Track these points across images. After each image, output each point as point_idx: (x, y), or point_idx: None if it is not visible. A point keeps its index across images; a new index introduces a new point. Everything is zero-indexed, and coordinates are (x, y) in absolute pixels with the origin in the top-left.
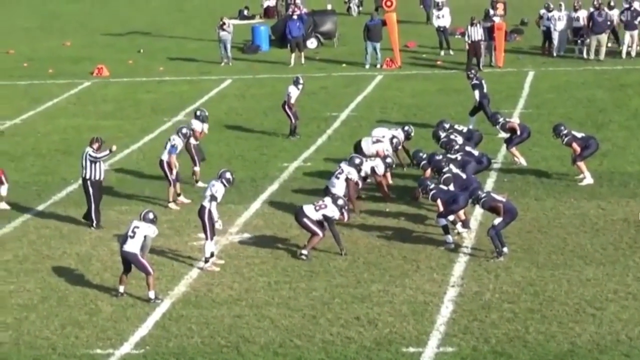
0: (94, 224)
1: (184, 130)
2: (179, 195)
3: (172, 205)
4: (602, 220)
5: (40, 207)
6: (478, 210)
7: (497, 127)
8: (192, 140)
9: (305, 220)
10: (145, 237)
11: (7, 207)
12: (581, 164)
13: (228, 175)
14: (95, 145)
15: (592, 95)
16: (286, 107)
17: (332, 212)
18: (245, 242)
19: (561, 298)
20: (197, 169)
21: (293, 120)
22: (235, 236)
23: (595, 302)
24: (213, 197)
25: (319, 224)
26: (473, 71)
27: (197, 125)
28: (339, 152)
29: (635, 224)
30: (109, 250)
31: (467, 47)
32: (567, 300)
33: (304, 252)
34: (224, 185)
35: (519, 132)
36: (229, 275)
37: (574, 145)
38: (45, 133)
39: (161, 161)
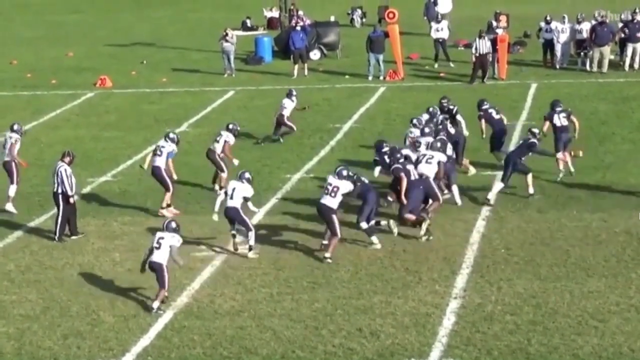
0: (57, 237)
1: (172, 135)
2: (169, 205)
3: (165, 212)
4: (604, 232)
5: (43, 218)
6: (480, 222)
7: None
8: (218, 150)
9: (333, 216)
10: (170, 247)
11: (13, 210)
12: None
13: (247, 175)
14: (67, 160)
15: (594, 107)
16: (279, 118)
17: (346, 186)
18: (247, 253)
19: (563, 310)
20: (224, 175)
21: (278, 130)
22: (238, 247)
23: (597, 315)
24: (246, 199)
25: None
26: (445, 101)
27: (231, 138)
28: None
29: (638, 236)
30: (111, 261)
31: (473, 59)
32: (570, 313)
33: (327, 255)
34: (249, 184)
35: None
36: (231, 287)
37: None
38: (48, 144)
39: (157, 168)
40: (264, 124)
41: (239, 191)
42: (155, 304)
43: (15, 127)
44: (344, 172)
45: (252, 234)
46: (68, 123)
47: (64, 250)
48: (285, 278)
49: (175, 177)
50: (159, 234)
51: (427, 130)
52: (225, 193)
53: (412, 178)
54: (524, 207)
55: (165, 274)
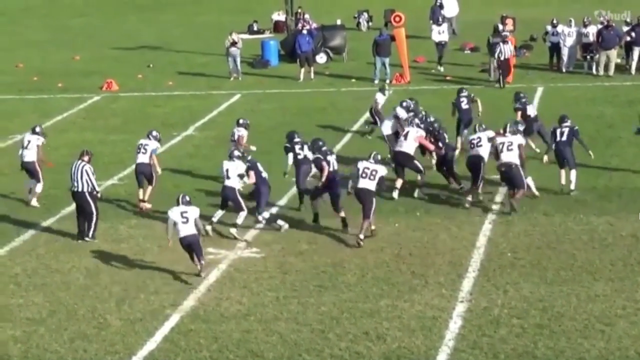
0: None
1: (154, 133)
2: (142, 201)
3: (146, 204)
4: (611, 236)
5: (50, 221)
6: (486, 226)
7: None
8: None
9: (373, 198)
10: (195, 219)
11: (37, 204)
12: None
13: (236, 152)
14: (86, 158)
15: (601, 111)
16: (374, 112)
17: (383, 170)
18: (254, 257)
19: (570, 314)
20: None
21: (379, 124)
22: (244, 251)
23: (604, 318)
24: (241, 175)
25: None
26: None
27: (243, 132)
28: (349, 167)
29: None
30: (117, 265)
31: (498, 63)
32: (576, 316)
33: (361, 237)
34: (240, 160)
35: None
36: (238, 290)
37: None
38: (55, 147)
39: (144, 165)
40: (269, 127)
41: (233, 170)
42: (204, 272)
43: (38, 129)
44: (379, 157)
45: (243, 214)
46: (74, 126)
47: (70, 253)
48: (292, 282)
49: (159, 171)
50: (179, 209)
51: (484, 126)
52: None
53: (332, 169)
54: (530, 210)
55: (200, 243)
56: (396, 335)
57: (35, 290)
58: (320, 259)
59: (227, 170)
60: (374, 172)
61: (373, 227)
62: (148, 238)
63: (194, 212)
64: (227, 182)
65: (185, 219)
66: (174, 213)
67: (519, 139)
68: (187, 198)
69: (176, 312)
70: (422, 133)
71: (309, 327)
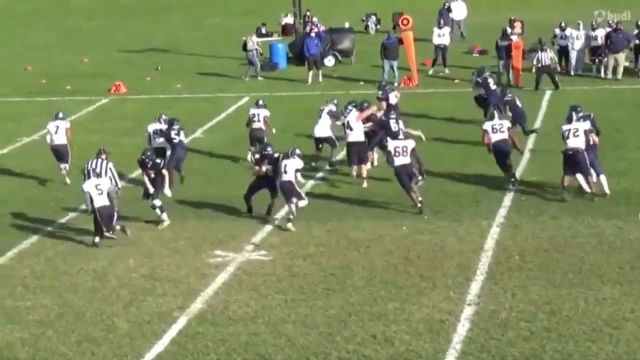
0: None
1: (165, 117)
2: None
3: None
4: (619, 239)
5: (58, 223)
6: (494, 229)
7: None
8: (263, 126)
9: (414, 169)
10: (109, 189)
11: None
12: None
13: (298, 150)
14: (104, 156)
15: (609, 114)
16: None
17: (412, 143)
18: (262, 260)
19: (578, 317)
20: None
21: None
22: (252, 253)
23: (612, 322)
24: (297, 170)
25: None
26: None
27: (266, 111)
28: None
29: None
30: (125, 267)
31: (534, 69)
32: (584, 320)
33: (420, 199)
34: (299, 157)
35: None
36: (245, 293)
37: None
38: None
39: (161, 149)
40: (277, 129)
41: (291, 166)
42: (117, 234)
43: (61, 115)
44: (405, 133)
45: (303, 202)
46: (83, 129)
47: (78, 256)
48: (299, 284)
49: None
50: (93, 182)
51: (503, 119)
52: (278, 170)
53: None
54: (538, 213)
55: (114, 213)
56: (404, 338)
57: (43, 292)
58: (328, 262)
59: (285, 166)
60: (405, 148)
61: (420, 199)
62: (156, 241)
63: (107, 183)
64: (285, 177)
65: (99, 190)
66: (88, 186)
67: (585, 125)
68: (98, 170)
69: (184, 315)
70: (356, 111)
71: (317, 330)
